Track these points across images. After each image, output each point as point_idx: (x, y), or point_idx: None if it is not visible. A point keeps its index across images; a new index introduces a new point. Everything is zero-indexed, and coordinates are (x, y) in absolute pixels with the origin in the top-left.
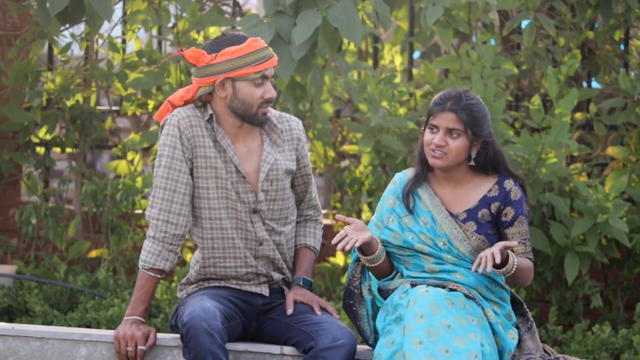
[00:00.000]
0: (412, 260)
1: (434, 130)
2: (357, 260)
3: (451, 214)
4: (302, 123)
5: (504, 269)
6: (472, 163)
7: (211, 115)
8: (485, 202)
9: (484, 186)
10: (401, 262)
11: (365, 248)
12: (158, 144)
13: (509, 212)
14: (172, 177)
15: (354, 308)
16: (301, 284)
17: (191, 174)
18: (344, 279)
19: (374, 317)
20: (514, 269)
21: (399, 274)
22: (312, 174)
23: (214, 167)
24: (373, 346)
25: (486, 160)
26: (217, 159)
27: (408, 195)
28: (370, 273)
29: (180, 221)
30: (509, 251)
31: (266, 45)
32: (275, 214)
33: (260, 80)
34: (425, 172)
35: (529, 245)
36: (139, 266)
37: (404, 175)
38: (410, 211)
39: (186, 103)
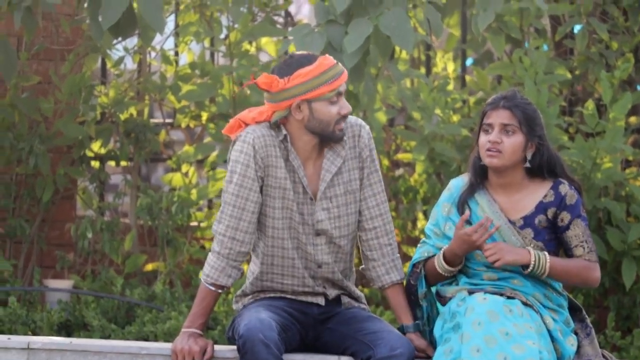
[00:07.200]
0: (470, 267)
1: (489, 130)
2: (413, 268)
3: (509, 221)
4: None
5: (528, 270)
6: (528, 165)
7: (285, 136)
8: (541, 208)
9: (540, 192)
10: (460, 271)
11: (454, 259)
12: (229, 159)
13: (565, 216)
14: (242, 195)
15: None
16: (412, 330)
17: (260, 191)
18: None
19: (429, 322)
20: (543, 270)
21: (455, 281)
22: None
23: (282, 188)
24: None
25: (542, 163)
26: (286, 179)
27: (464, 203)
28: (424, 281)
29: (246, 239)
30: (539, 252)
31: (336, 61)
32: (343, 230)
33: (335, 98)
34: (479, 182)
35: (587, 247)
36: (201, 280)
37: (459, 181)
38: (468, 221)
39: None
